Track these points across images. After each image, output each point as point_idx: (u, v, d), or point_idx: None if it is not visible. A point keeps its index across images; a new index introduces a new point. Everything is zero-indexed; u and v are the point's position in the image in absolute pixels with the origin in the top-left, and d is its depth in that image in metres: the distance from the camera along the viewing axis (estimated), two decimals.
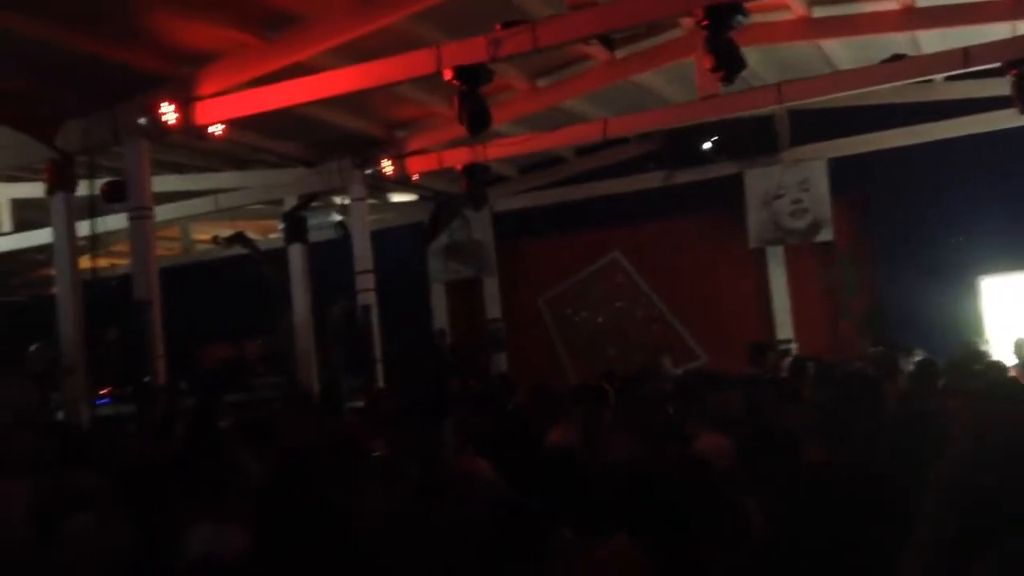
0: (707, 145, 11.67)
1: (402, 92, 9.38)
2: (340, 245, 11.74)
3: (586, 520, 3.00)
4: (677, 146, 11.84)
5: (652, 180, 12.49)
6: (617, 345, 13.28)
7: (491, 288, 14.03)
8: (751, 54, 7.57)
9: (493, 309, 14.02)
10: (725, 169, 12.13)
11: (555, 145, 11.84)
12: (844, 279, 12.20)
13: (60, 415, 8.47)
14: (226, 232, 12.60)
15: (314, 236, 11.94)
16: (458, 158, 11.00)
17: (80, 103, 8.23)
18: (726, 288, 12.71)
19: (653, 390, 6.68)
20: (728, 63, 6.89)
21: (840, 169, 11.76)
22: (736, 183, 12.23)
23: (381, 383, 10.41)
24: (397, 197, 13.87)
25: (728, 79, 7.04)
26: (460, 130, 8.60)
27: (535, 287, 14.08)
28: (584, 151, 12.97)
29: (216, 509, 3.41)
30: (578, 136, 11.18)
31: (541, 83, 10.20)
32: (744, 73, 7.13)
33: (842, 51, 10.17)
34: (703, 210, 12.55)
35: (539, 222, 13.57)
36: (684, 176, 12.17)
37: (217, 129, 8.33)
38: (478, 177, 11.18)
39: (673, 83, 10.54)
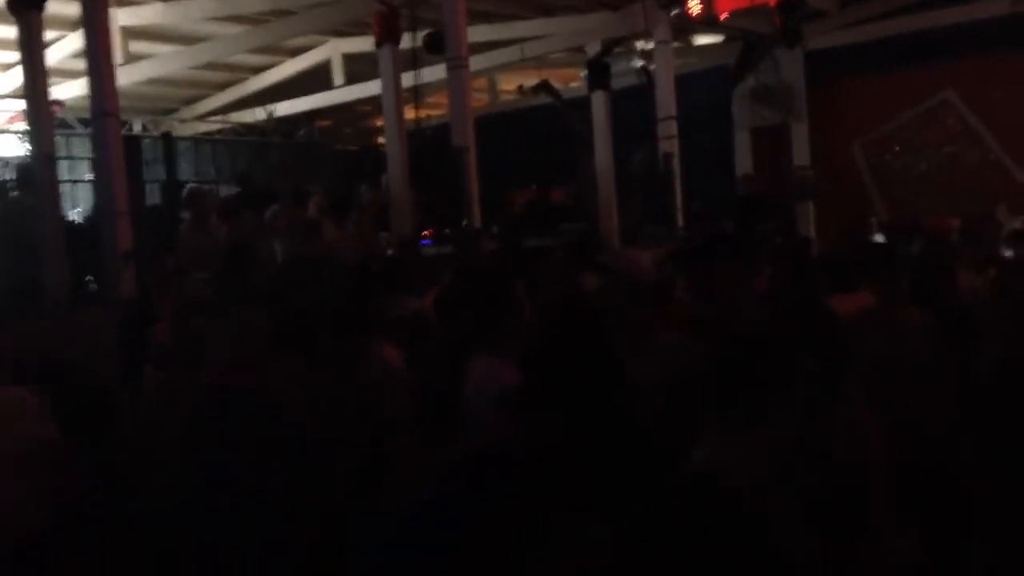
0: None
1: None
2: (642, 92, 11.56)
3: None
4: None
5: (998, 7, 10.97)
6: (943, 194, 12.11)
7: (800, 134, 13.20)
8: None
9: (801, 156, 13.23)
10: None
11: None
12: None
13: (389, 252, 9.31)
14: (531, 81, 12.85)
15: (616, 83, 11.86)
16: None
17: None
18: None
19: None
20: None
21: None
22: None
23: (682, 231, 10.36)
24: (702, 40, 13.31)
25: None
26: None
27: (849, 132, 13.09)
28: None
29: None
30: None
31: None
32: None
33: None
34: None
35: (857, 60, 12.44)
36: None
37: None
38: (794, 12, 10.40)
39: None
